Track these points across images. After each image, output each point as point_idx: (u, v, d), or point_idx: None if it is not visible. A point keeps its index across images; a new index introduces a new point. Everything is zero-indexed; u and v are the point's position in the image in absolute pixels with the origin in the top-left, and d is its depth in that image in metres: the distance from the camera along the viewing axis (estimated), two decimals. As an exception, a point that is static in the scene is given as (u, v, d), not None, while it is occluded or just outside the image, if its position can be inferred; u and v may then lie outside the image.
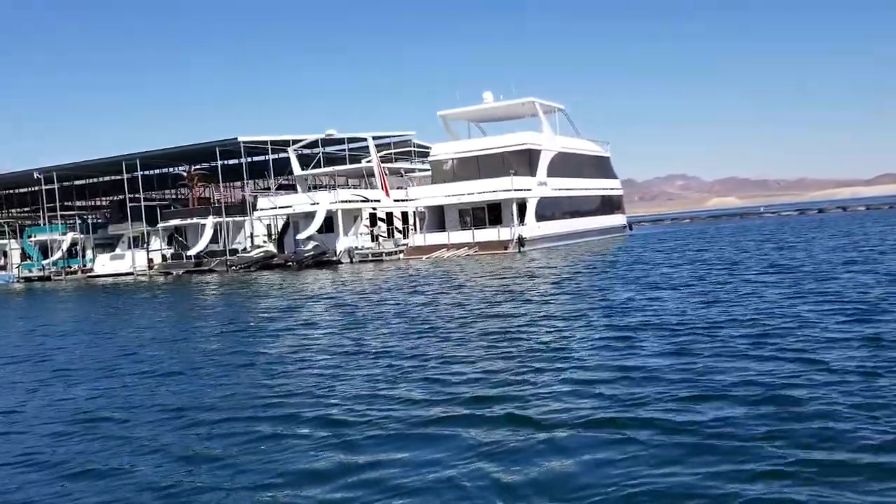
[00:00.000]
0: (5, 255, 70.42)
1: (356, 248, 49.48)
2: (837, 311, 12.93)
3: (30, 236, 67.16)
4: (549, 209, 51.68)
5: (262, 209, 52.76)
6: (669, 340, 11.41)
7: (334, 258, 49.02)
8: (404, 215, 54.70)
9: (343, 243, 49.53)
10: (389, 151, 66.04)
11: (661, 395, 8.19)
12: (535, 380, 9.33)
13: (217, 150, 53.41)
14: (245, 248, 53.84)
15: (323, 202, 49.58)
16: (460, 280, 27.08)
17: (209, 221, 54.71)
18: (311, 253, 48.54)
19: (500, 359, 10.92)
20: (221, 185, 55.63)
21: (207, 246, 54.35)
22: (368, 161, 55.44)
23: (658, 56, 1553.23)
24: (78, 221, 66.70)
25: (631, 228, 69.16)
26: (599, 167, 62.44)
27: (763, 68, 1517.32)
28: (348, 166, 57.52)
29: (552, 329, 13.39)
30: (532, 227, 48.68)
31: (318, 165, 58.73)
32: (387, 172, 55.63)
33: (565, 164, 54.85)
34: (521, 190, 48.58)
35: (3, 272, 67.90)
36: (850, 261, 22.91)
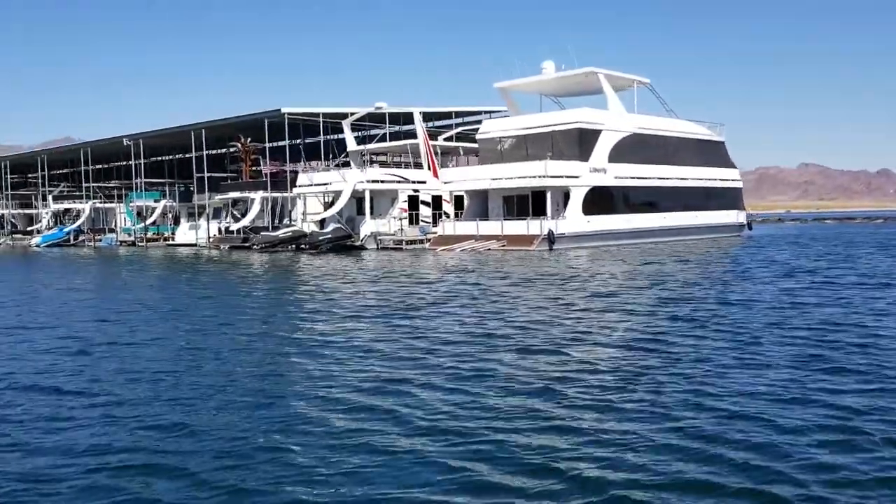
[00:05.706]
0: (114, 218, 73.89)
1: (381, 233, 44.86)
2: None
3: (131, 201, 69.47)
4: (611, 200, 43.71)
5: (300, 185, 49.56)
6: None
7: (357, 243, 44.76)
8: (457, 199, 49.14)
9: (368, 227, 45.05)
10: (475, 127, 60.34)
11: None
12: None
13: (266, 121, 50.82)
14: (286, 225, 51.09)
15: (350, 181, 45.30)
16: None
17: (257, 196, 52.47)
18: (329, 237, 44.53)
19: None
20: (269, 158, 53.00)
21: (254, 221, 52.29)
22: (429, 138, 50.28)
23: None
24: (167, 189, 67.81)
25: (750, 228, 57.97)
26: (705, 153, 52.34)
27: None
28: (401, 142, 52.69)
29: None
30: (575, 222, 41.14)
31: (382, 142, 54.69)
32: (438, 151, 50.20)
33: (644, 149, 46.18)
34: (562, 177, 41.08)
35: (111, 234, 70.97)
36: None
